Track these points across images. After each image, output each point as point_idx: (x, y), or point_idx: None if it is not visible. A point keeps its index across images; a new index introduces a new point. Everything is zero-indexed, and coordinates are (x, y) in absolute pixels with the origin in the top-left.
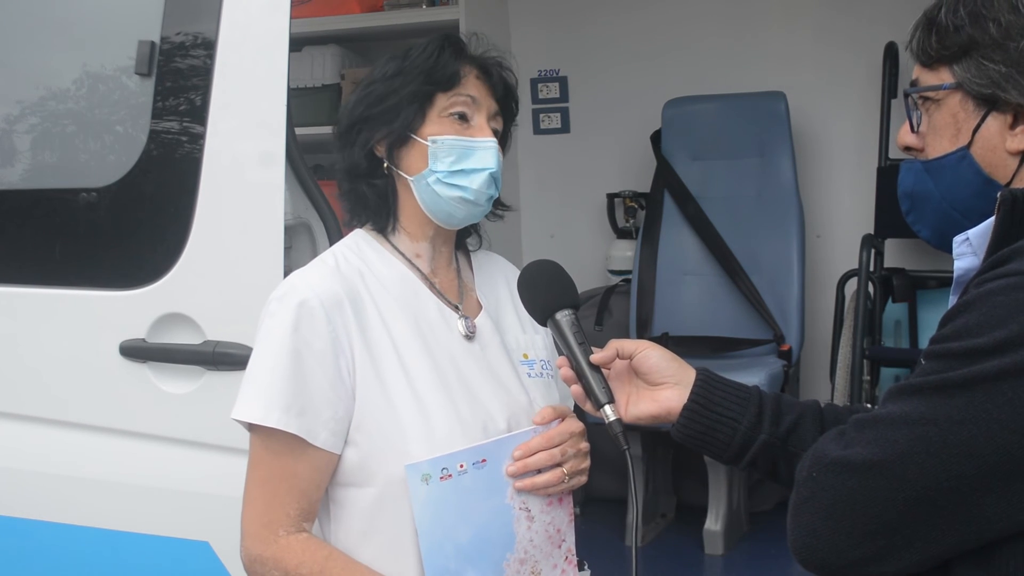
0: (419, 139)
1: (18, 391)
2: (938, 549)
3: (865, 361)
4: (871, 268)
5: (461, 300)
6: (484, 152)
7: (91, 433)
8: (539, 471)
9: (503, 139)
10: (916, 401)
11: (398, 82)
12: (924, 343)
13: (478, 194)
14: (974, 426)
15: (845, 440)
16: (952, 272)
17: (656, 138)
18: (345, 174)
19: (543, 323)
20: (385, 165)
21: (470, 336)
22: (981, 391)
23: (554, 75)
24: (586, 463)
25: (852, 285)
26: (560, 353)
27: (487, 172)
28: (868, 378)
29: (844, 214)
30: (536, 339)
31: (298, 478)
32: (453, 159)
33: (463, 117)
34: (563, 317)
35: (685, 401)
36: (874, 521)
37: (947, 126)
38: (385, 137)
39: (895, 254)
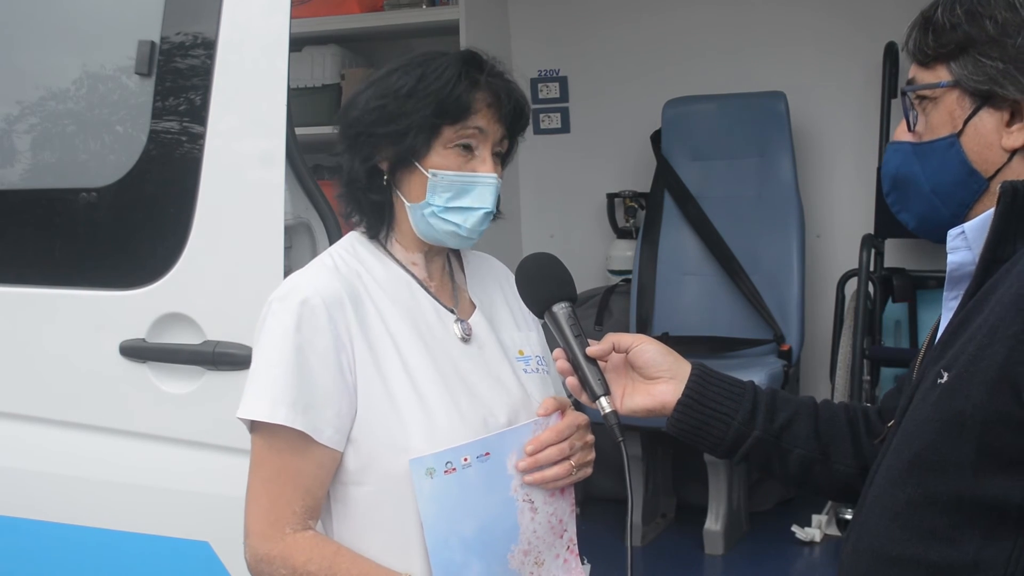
0: (421, 168)
1: (18, 391)
2: None
3: (865, 361)
4: (871, 268)
5: (456, 304)
6: (483, 188)
7: (91, 433)
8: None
9: (508, 155)
10: None
11: (409, 105)
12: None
13: (471, 231)
14: None
15: None
16: None
17: (656, 138)
18: (344, 181)
19: (540, 316)
20: (385, 179)
21: (466, 339)
22: None
23: (554, 75)
24: (592, 455)
25: (852, 285)
26: (557, 346)
27: (482, 211)
28: (868, 378)
29: (844, 214)
30: (531, 336)
31: (303, 475)
32: (451, 195)
33: (468, 147)
34: (560, 310)
35: (679, 395)
36: None
37: (943, 124)
38: (388, 157)
39: (895, 254)
